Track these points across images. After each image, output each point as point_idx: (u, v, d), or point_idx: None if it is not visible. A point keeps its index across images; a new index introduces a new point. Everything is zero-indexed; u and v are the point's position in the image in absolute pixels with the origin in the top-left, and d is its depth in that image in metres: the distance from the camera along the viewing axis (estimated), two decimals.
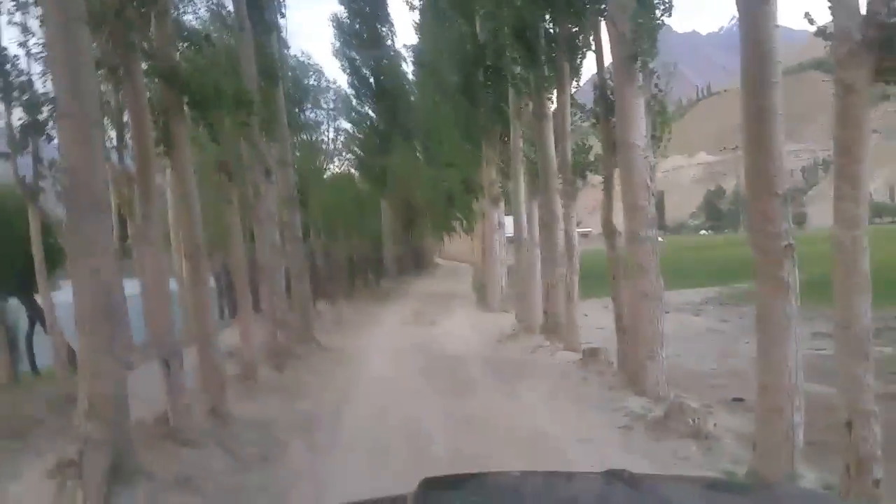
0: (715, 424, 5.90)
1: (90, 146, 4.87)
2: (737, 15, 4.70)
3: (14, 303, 11.87)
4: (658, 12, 7.30)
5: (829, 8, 3.99)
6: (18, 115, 10.11)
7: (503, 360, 11.04)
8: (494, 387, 9.16)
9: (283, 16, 12.85)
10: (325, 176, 27.78)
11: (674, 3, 7.20)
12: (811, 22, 3.98)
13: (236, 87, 8.38)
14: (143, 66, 6.54)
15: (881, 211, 76.92)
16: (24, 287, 12.88)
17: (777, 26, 4.64)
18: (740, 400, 6.95)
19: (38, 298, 11.93)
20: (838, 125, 3.81)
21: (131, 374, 5.57)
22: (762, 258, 4.34)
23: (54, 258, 11.14)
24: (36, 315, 13.01)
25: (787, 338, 4.24)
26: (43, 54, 9.85)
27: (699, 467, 5.26)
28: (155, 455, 5.69)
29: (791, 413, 4.22)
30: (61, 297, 10.90)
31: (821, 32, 4.07)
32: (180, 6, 10.32)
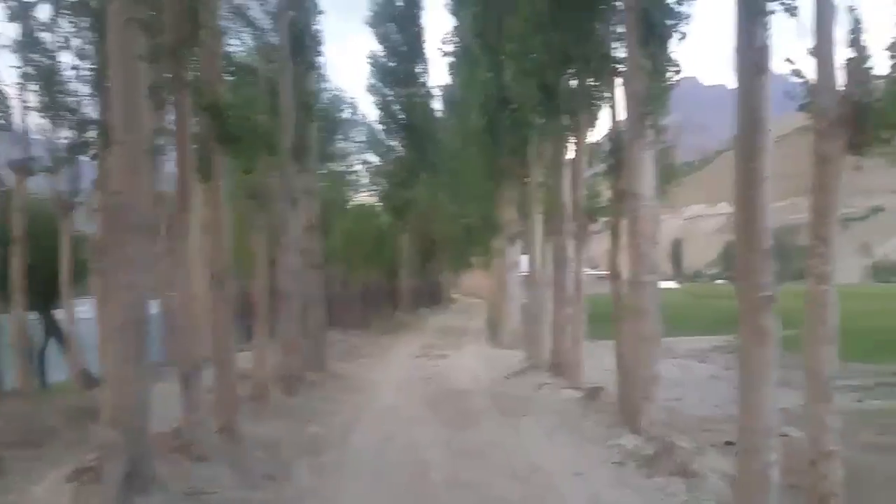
0: (697, 466, 6.15)
1: (139, 172, 5.40)
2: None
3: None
4: (669, 75, 7.77)
5: (812, 87, 4.39)
6: (63, 134, 10.83)
7: (508, 396, 11.27)
8: (497, 420, 9.43)
9: (319, 54, 13.52)
10: (347, 206, 28.40)
11: (682, 67, 7.67)
12: (791, 98, 4.38)
13: (269, 127, 8.95)
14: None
15: None
16: (46, 302, 13.30)
17: (768, 98, 5.02)
18: (732, 444, 7.16)
19: (61, 313, 12.33)
20: (813, 191, 4.18)
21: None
22: (745, 307, 4.67)
23: (76, 274, 11.59)
24: (52, 330, 13.41)
25: (765, 382, 4.54)
26: (92, 77, 10.63)
27: (683, 503, 5.57)
28: (168, 467, 5.98)
29: (767, 453, 4.49)
30: (79, 314, 11.39)
31: (803, 108, 4.47)
32: (227, 40, 10.95)
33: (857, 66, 4.11)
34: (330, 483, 6.67)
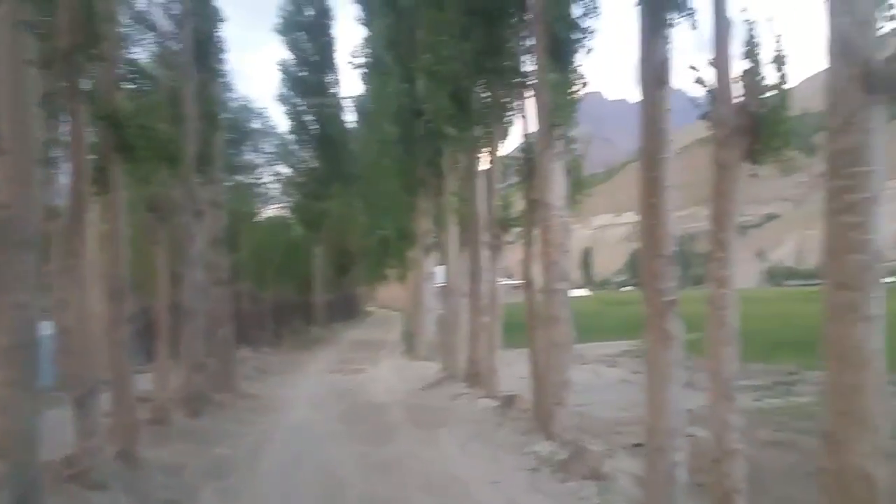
0: (608, 468, 6.31)
1: (28, 184, 4.99)
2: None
3: None
4: (576, 87, 8.01)
5: (712, 96, 4.61)
6: None
7: (424, 407, 11.23)
8: (413, 433, 9.34)
9: (221, 62, 13.09)
10: (257, 219, 27.55)
11: (588, 80, 7.94)
12: (696, 106, 4.59)
13: (170, 137, 8.55)
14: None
15: (791, 275, 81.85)
16: None
17: (669, 109, 5.23)
18: (640, 445, 7.39)
19: None
20: (713, 198, 4.39)
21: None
22: (650, 312, 4.83)
23: None
24: None
25: (670, 384, 4.71)
26: None
27: None
28: (60, 497, 5.64)
29: (672, 453, 4.65)
30: None
31: (705, 116, 4.69)
32: (127, 46, 10.40)
33: (752, 77, 4.35)
34: None
